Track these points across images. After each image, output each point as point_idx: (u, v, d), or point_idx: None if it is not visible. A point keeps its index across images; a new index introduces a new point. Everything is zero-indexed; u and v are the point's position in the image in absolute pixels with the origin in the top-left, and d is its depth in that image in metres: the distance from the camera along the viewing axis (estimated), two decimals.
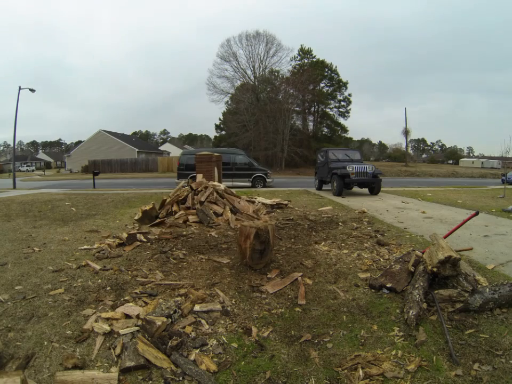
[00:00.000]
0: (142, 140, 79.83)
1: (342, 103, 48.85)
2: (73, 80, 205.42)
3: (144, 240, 5.30)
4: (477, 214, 4.14)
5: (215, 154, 12.23)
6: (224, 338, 2.59)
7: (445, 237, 3.91)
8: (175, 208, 7.41)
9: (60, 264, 4.30)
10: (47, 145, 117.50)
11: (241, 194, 11.34)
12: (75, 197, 12.29)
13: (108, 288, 3.50)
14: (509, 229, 6.16)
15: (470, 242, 5.15)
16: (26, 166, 69.98)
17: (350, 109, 49.09)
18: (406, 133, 52.78)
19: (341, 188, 12.55)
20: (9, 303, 3.15)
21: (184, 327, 2.69)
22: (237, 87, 46.58)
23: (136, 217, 6.76)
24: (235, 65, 44.68)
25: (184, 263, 4.30)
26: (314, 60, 48.30)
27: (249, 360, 2.34)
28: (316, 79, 44.72)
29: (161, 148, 72.54)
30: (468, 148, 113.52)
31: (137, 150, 49.51)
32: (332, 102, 49.04)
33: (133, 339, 2.49)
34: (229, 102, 48.39)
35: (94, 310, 3.00)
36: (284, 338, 2.62)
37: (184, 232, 5.95)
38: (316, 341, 2.57)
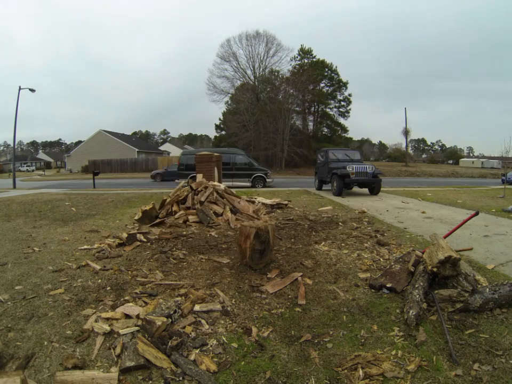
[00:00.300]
0: (142, 140, 79.80)
1: (342, 103, 48.91)
2: (74, 80, 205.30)
3: (144, 240, 5.30)
4: (477, 214, 4.14)
5: (215, 154, 12.22)
6: (224, 338, 2.59)
7: (445, 237, 3.91)
8: (175, 208, 7.41)
9: (60, 264, 4.30)
10: (47, 145, 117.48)
11: (241, 194, 11.34)
12: (75, 197, 12.29)
13: (108, 288, 3.50)
14: (509, 229, 6.16)
15: (470, 242, 5.15)
16: (26, 166, 69.98)
17: (350, 109, 49.18)
18: (406, 133, 52.81)
19: (341, 187, 12.55)
20: (9, 303, 3.15)
21: (184, 327, 2.69)
22: (237, 87, 46.63)
23: (136, 217, 6.76)
24: (235, 65, 44.76)
25: (184, 263, 4.30)
26: (314, 59, 48.33)
27: (249, 360, 2.34)
28: (316, 79, 44.75)
29: (161, 147, 72.52)
30: (467, 147, 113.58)
31: (137, 150, 49.52)
32: (332, 102, 49.09)
33: (133, 339, 2.49)
34: (229, 102, 48.47)
35: (94, 310, 2.99)
36: (284, 338, 2.62)
37: (184, 232, 5.95)
38: (316, 341, 2.57)
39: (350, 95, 48.38)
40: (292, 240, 5.44)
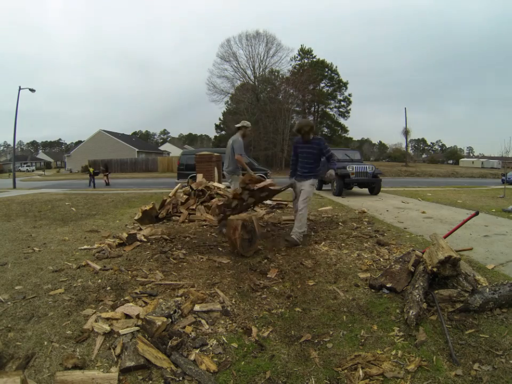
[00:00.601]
0: (142, 140, 79.84)
1: (342, 103, 48.98)
2: (73, 80, 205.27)
3: (144, 240, 5.30)
4: (477, 214, 4.14)
5: (215, 154, 12.22)
6: (224, 338, 2.59)
7: (445, 237, 3.91)
8: (175, 208, 7.42)
9: (60, 264, 4.30)
10: (47, 145, 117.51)
11: None
12: (75, 197, 12.30)
13: (108, 288, 3.50)
14: (509, 229, 6.15)
15: (470, 242, 5.15)
16: (26, 166, 70.01)
17: (350, 109, 49.23)
18: (406, 133, 52.83)
19: (341, 187, 12.54)
20: (9, 303, 3.15)
21: (184, 327, 2.69)
22: (237, 87, 46.67)
23: (136, 217, 6.75)
24: (235, 65, 44.82)
25: (184, 263, 4.30)
26: (314, 59, 48.36)
27: (249, 360, 2.34)
28: (316, 79, 44.80)
29: (161, 147, 72.54)
30: (467, 147, 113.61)
31: (137, 150, 49.58)
32: (332, 102, 49.14)
33: (133, 339, 2.49)
34: (229, 102, 48.52)
35: (94, 310, 2.99)
36: (284, 338, 2.62)
37: (185, 232, 5.95)
38: (316, 341, 2.57)
39: (350, 95, 48.55)
40: None
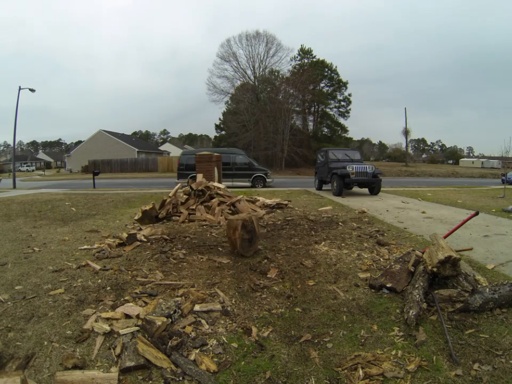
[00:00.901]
0: (142, 140, 79.84)
1: (342, 103, 48.91)
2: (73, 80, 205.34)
3: (144, 240, 5.30)
4: (477, 214, 4.14)
5: (215, 154, 12.22)
6: (224, 338, 2.59)
7: (445, 237, 3.91)
8: (175, 208, 7.42)
9: (60, 264, 4.30)
10: (47, 145, 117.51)
11: (241, 194, 11.35)
12: (75, 197, 12.29)
13: (108, 288, 3.50)
14: (509, 229, 6.16)
15: (470, 242, 5.15)
16: (26, 166, 69.99)
17: (350, 109, 49.17)
18: (406, 133, 52.83)
19: (341, 187, 12.55)
20: (9, 303, 3.15)
21: (184, 327, 2.69)
22: (237, 87, 46.64)
23: (136, 217, 6.76)
24: (235, 65, 44.78)
25: (184, 263, 4.30)
26: (314, 59, 48.34)
27: (249, 360, 2.34)
28: (315, 79, 44.76)
29: (161, 147, 72.53)
30: (467, 147, 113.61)
31: (137, 150, 49.53)
32: (332, 102, 49.10)
33: (133, 339, 2.49)
34: (229, 102, 48.48)
35: (94, 310, 2.99)
36: (284, 338, 2.62)
37: (185, 232, 5.95)
38: (316, 341, 2.57)
39: (350, 95, 48.45)
40: (292, 240, 5.44)
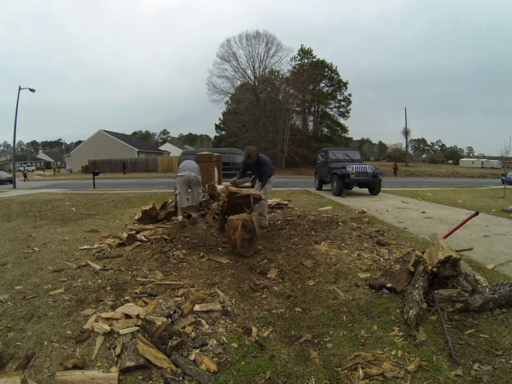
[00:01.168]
0: (142, 140, 79.80)
1: (342, 103, 48.94)
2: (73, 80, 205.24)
3: (144, 240, 5.30)
4: (477, 214, 4.14)
5: (215, 154, 12.22)
6: (224, 338, 2.59)
7: (445, 237, 3.91)
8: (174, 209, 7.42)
9: (60, 264, 4.30)
10: (47, 145, 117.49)
11: None
12: (75, 197, 12.28)
13: (108, 288, 3.50)
14: (509, 229, 6.15)
15: (470, 242, 5.15)
16: (26, 166, 69.93)
17: (350, 109, 49.18)
18: (406, 133, 52.87)
19: (341, 187, 12.54)
20: (9, 303, 3.15)
21: (184, 327, 2.69)
22: (237, 87, 46.68)
23: (136, 217, 6.75)
24: (235, 65, 44.84)
25: (184, 263, 4.30)
26: (314, 59, 48.35)
27: (249, 360, 2.34)
28: (315, 79, 44.79)
29: (161, 147, 72.51)
30: (467, 147, 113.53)
31: (137, 150, 49.51)
32: (332, 102, 49.11)
33: (133, 339, 2.49)
34: (229, 102, 48.52)
35: (94, 310, 3.00)
36: (284, 338, 2.62)
37: (184, 232, 5.94)
38: (316, 341, 2.57)
39: (350, 95, 48.48)
40: (292, 240, 5.44)
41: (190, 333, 2.63)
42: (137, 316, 2.77)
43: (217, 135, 52.45)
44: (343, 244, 5.13)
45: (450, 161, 78.47)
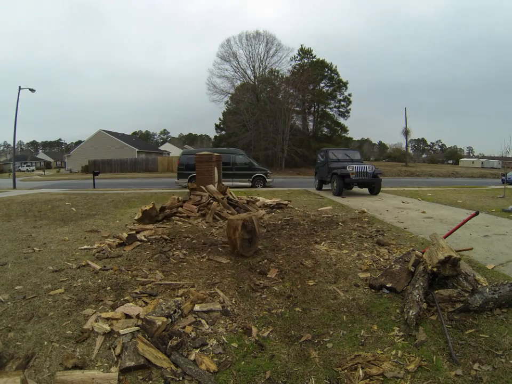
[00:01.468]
0: (142, 140, 79.80)
1: (342, 103, 48.84)
2: (73, 80, 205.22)
3: (145, 240, 5.30)
4: (477, 214, 4.14)
5: (215, 154, 12.19)
6: (224, 338, 2.59)
7: (445, 237, 3.91)
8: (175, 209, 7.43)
9: (60, 264, 4.30)
10: (47, 145, 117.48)
11: (241, 194, 11.35)
12: (75, 197, 12.29)
13: (108, 288, 3.50)
14: (509, 229, 6.16)
15: (470, 242, 5.15)
16: (26, 166, 69.96)
17: (350, 109, 49.10)
18: (406, 133, 52.84)
19: (341, 187, 12.55)
20: (9, 303, 3.15)
21: (184, 327, 2.69)
22: (237, 87, 46.62)
23: (136, 217, 6.75)
24: (235, 65, 44.76)
25: (184, 263, 4.30)
26: (314, 59, 48.31)
27: (249, 360, 2.34)
28: (315, 79, 44.74)
29: (161, 147, 72.50)
30: (467, 147, 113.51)
31: (137, 150, 49.47)
32: (332, 102, 49.03)
33: (133, 339, 2.49)
34: (229, 102, 48.43)
35: (94, 310, 3.00)
36: (284, 338, 2.62)
37: (184, 232, 5.95)
38: (316, 341, 2.57)
39: (350, 95, 48.37)
40: (292, 240, 5.44)
41: (190, 333, 2.63)
42: (137, 316, 2.77)
43: (217, 135, 52.37)
44: (343, 244, 5.13)
45: (450, 161, 78.40)
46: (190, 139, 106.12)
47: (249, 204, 8.44)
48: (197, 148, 50.62)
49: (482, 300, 2.85)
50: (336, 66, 47.85)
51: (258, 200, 9.38)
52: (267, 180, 18.43)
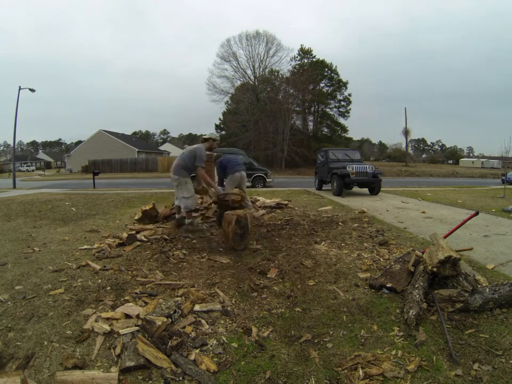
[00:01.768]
0: (142, 140, 79.80)
1: (342, 103, 48.86)
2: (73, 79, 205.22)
3: (145, 240, 5.30)
4: (477, 214, 4.14)
5: (215, 154, 12.18)
6: (224, 338, 2.59)
7: (445, 237, 3.91)
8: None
9: (60, 264, 4.30)
10: (47, 145, 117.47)
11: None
12: (75, 196, 12.28)
13: (108, 288, 3.50)
14: (509, 229, 6.16)
15: (470, 242, 5.15)
16: (26, 166, 69.97)
17: (350, 109, 49.11)
18: (406, 133, 52.87)
19: (341, 187, 12.54)
20: (9, 303, 3.15)
21: (184, 327, 2.69)
22: (237, 87, 46.68)
23: (136, 217, 6.75)
24: (235, 65, 44.84)
25: (184, 263, 4.30)
26: (314, 59, 48.31)
27: (249, 360, 2.34)
28: (315, 79, 44.77)
29: (161, 147, 72.54)
30: (467, 147, 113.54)
31: (137, 150, 49.49)
32: (332, 102, 49.05)
33: (133, 339, 2.49)
34: (229, 102, 48.46)
35: (94, 310, 2.99)
36: (284, 338, 2.62)
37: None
38: (316, 341, 2.57)
39: (350, 95, 48.39)
40: (292, 240, 5.44)
41: (190, 333, 2.63)
42: (137, 316, 2.77)
43: (217, 135, 52.36)
44: (343, 244, 5.13)
45: (450, 161, 78.45)
46: (190, 139, 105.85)
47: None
48: None
49: (482, 299, 2.85)
50: (336, 66, 47.89)
51: (258, 200, 9.37)
52: (267, 179, 18.42)
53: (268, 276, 3.85)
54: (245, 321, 2.86)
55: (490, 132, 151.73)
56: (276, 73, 46.94)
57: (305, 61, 48.90)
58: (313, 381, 2.13)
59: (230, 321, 2.86)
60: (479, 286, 3.12)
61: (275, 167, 38.80)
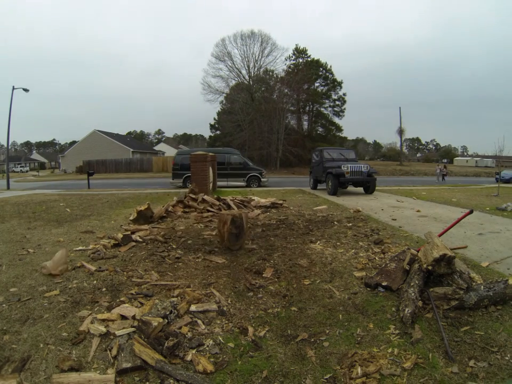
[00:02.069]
0: (137, 140, 79.48)
1: (337, 102, 48.91)
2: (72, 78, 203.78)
3: (140, 240, 5.28)
4: (471, 212, 4.17)
5: (210, 154, 12.21)
6: (220, 338, 2.59)
7: (440, 235, 3.93)
8: (171, 208, 7.41)
9: None
10: (41, 146, 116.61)
11: (236, 194, 11.35)
12: (69, 197, 12.20)
13: (104, 289, 3.48)
14: (503, 227, 6.21)
15: (464, 240, 5.19)
16: (20, 167, 69.42)
17: (344, 108, 49.18)
18: (400, 132, 53.07)
19: (336, 187, 12.57)
20: (4, 305, 3.12)
21: (180, 328, 2.69)
22: (232, 87, 46.57)
23: (131, 218, 6.72)
24: (230, 64, 44.69)
25: (180, 263, 4.29)
26: (309, 59, 48.34)
27: (246, 360, 2.34)
28: (310, 79, 44.79)
29: (156, 147, 72.20)
30: (462, 146, 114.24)
31: (132, 150, 49.24)
32: (327, 101, 49.09)
33: (129, 340, 2.48)
34: (224, 102, 48.34)
35: (90, 312, 2.98)
36: (280, 337, 2.63)
37: (180, 233, 5.93)
38: (312, 340, 2.57)
39: (344, 94, 48.46)
40: (287, 239, 5.44)
41: (186, 333, 2.63)
42: (133, 317, 2.77)
43: (212, 135, 52.23)
44: (338, 243, 5.14)
45: (445, 160, 78.91)
46: (185, 139, 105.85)
47: (243, 203, 8.46)
48: (192, 148, 50.40)
49: (477, 297, 2.87)
50: (331, 66, 47.95)
51: (253, 199, 9.37)
52: (262, 179, 18.44)
53: (263, 275, 3.86)
54: (241, 321, 2.86)
55: (484, 131, 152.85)
56: (270, 73, 46.92)
57: (300, 60, 48.90)
58: (310, 380, 2.13)
59: (226, 321, 2.86)
60: (474, 283, 3.15)
61: (270, 167, 38.79)
